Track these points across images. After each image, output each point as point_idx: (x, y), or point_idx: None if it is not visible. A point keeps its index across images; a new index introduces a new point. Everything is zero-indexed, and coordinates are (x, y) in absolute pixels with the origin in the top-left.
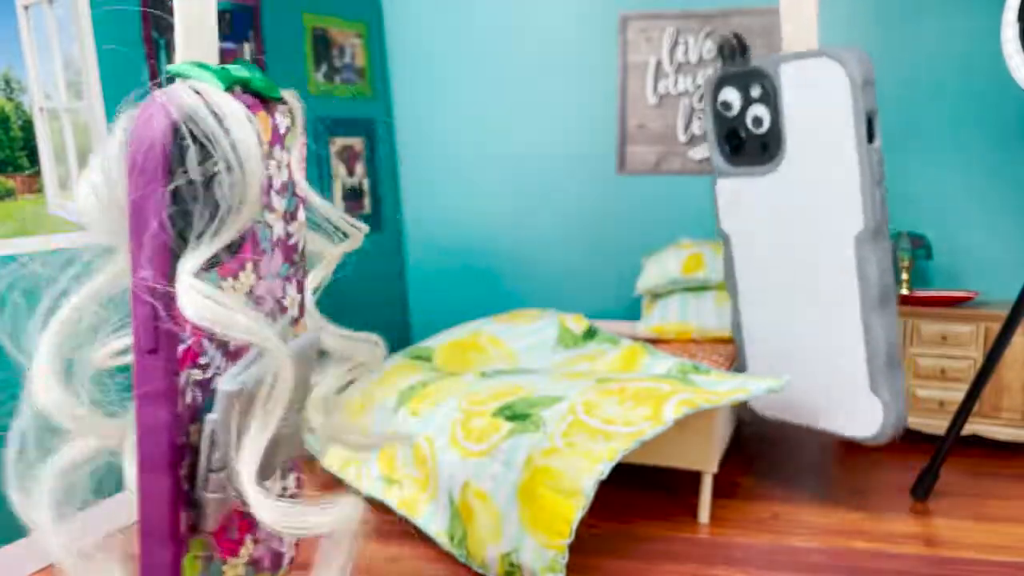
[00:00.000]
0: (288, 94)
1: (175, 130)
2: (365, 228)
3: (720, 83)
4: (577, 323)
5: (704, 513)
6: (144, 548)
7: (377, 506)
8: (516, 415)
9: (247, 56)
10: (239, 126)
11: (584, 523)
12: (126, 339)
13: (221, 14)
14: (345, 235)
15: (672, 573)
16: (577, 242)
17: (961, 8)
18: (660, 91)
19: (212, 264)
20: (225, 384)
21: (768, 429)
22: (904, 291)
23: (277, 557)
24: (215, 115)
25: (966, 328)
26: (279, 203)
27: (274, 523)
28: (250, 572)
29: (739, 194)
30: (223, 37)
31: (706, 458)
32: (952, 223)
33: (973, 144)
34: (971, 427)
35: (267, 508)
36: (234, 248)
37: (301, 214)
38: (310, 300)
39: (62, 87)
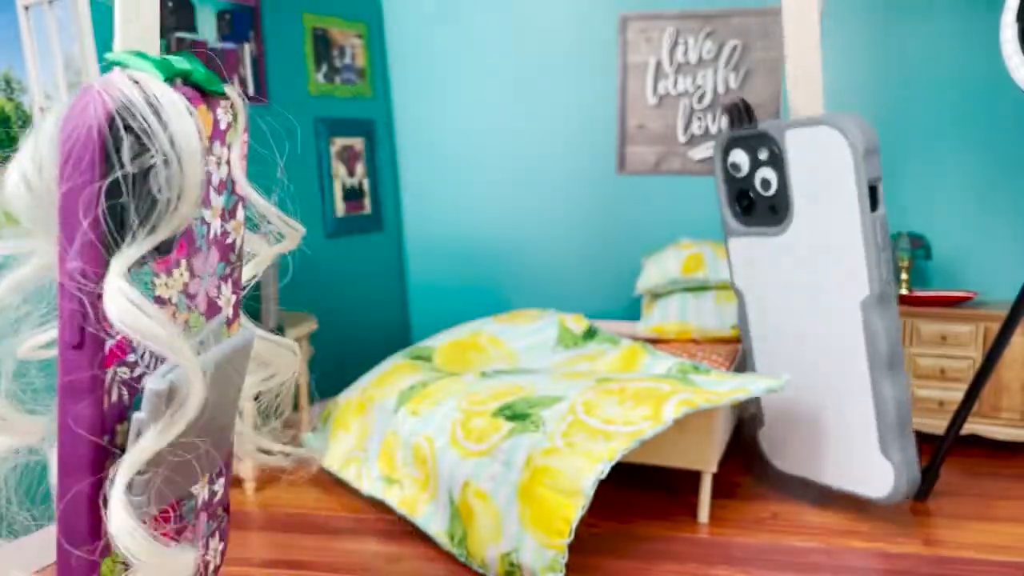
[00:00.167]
0: (230, 90)
1: (110, 120)
2: (302, 229)
3: (729, 145)
4: (577, 323)
5: (704, 513)
6: (61, 551)
7: (377, 506)
8: (516, 415)
9: (247, 57)
10: (179, 118)
11: (584, 523)
12: (52, 332)
13: (221, 14)
14: (282, 236)
15: (672, 573)
16: (577, 242)
17: (961, 8)
18: (660, 91)
19: (145, 260)
20: (152, 383)
21: None
22: (903, 291)
23: (204, 566)
24: (153, 106)
25: (965, 328)
26: (217, 200)
27: (121, 542)
28: None
29: (751, 253)
30: (223, 37)
31: (706, 458)
32: (951, 223)
33: (972, 144)
34: (970, 427)
35: (120, 524)
36: (169, 245)
37: (240, 213)
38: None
39: (63, 87)
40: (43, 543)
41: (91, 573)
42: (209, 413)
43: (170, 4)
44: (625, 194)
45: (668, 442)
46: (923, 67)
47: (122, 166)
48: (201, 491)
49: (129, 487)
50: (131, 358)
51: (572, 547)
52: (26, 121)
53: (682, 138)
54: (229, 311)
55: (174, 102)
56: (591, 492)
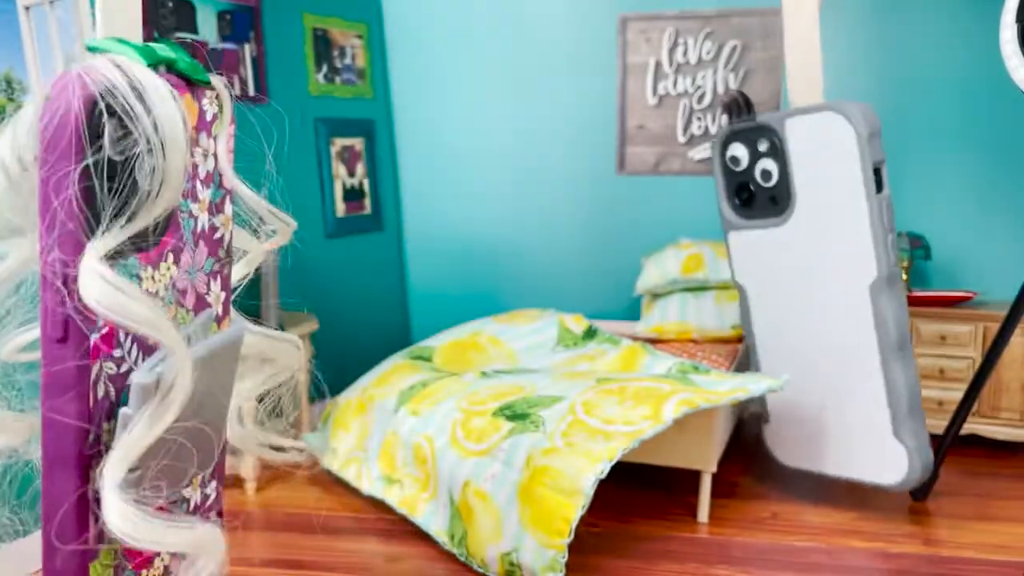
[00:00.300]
0: (216, 80)
1: (92, 104)
2: (293, 223)
3: (728, 139)
4: (577, 323)
5: (703, 512)
6: (47, 553)
7: (377, 505)
8: (516, 415)
9: (247, 57)
10: (162, 103)
11: (584, 522)
12: (35, 331)
13: (222, 15)
14: (274, 231)
15: (671, 572)
16: (577, 242)
17: (960, 8)
18: (659, 92)
19: (134, 250)
20: (140, 376)
21: None
22: None
23: None
24: (136, 90)
25: (965, 328)
26: (204, 193)
27: (121, 531)
28: None
29: (751, 247)
30: (224, 37)
31: (705, 457)
32: (951, 223)
33: (972, 144)
34: (970, 427)
35: (118, 512)
36: (157, 235)
37: (228, 208)
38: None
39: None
40: (23, 551)
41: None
42: (197, 407)
43: (170, 4)
44: (625, 194)
45: (668, 442)
46: (923, 67)
47: (103, 151)
48: (193, 494)
49: (119, 485)
50: (117, 353)
51: (572, 547)
52: None
53: (682, 138)
54: (219, 308)
55: (157, 87)
56: (591, 492)
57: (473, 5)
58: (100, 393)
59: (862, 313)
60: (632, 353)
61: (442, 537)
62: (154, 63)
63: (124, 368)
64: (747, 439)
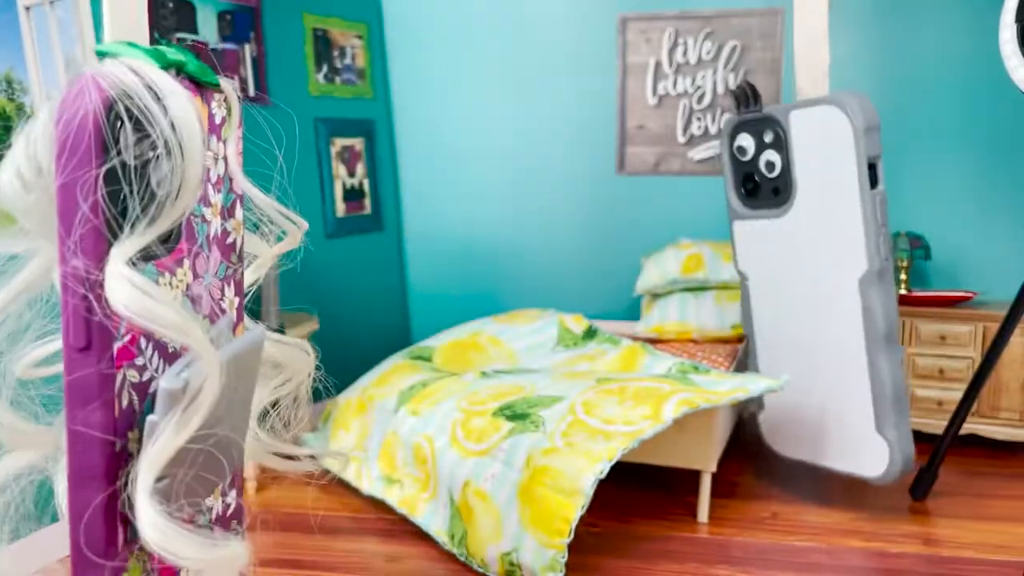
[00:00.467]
0: (225, 82)
1: (108, 107)
2: (305, 224)
3: (736, 129)
4: (577, 323)
5: (703, 512)
6: (76, 567)
7: (377, 505)
8: (516, 415)
9: (247, 57)
10: (179, 104)
11: (583, 522)
12: (56, 343)
13: (222, 15)
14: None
15: (671, 572)
16: (577, 242)
17: (959, 8)
18: (659, 92)
19: (149, 257)
20: (166, 381)
21: None
22: (903, 291)
23: None
24: (152, 91)
25: (964, 328)
26: (216, 198)
27: (154, 543)
28: None
29: (754, 236)
30: (224, 38)
31: (705, 457)
32: (950, 223)
33: (971, 144)
34: (969, 427)
35: (152, 524)
36: (172, 242)
37: (239, 212)
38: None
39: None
40: (22, 551)
41: None
42: (222, 413)
43: (170, 4)
44: (625, 194)
45: (668, 442)
46: (923, 67)
47: (120, 155)
48: (215, 503)
49: (149, 495)
50: (139, 361)
51: (572, 547)
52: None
53: (682, 138)
54: (233, 314)
55: (173, 88)
56: (591, 492)
57: (473, 5)
58: (124, 402)
59: (851, 305)
60: (632, 353)
61: (442, 537)
62: (164, 66)
63: (146, 376)
64: (747, 439)
